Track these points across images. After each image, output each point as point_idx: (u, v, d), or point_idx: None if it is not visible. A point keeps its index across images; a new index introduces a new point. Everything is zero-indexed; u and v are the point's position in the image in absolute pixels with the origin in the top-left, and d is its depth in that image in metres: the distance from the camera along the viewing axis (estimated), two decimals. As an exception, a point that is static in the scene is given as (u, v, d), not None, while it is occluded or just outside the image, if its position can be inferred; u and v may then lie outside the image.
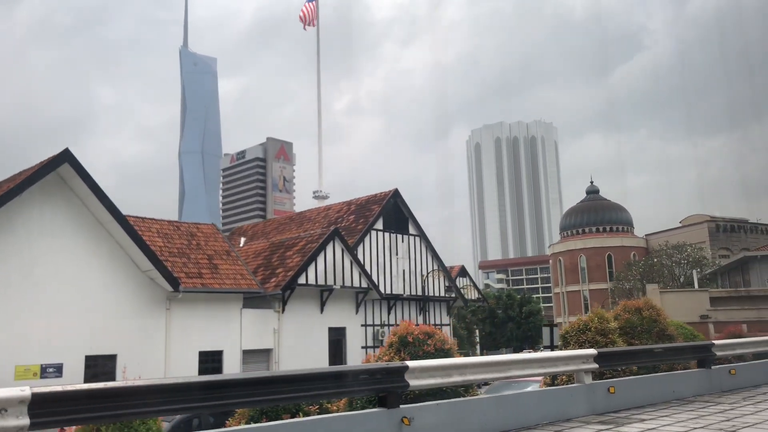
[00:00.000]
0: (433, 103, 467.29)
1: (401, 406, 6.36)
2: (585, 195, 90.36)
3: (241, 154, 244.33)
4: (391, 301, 33.06)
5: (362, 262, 31.89)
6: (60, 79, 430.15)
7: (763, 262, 41.78)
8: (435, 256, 35.81)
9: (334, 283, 25.90)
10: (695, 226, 76.23)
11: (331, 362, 25.39)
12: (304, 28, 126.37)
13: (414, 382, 6.59)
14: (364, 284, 27.47)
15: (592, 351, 8.27)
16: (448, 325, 36.79)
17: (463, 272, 52.36)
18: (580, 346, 9.73)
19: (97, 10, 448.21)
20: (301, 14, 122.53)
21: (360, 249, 31.42)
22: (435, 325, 35.66)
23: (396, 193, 34.38)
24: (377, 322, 32.21)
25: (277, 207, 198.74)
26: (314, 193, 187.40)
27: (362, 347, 30.80)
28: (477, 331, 71.62)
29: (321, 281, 25.55)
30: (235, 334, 22.95)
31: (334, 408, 8.08)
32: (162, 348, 20.85)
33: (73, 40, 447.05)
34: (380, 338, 29.95)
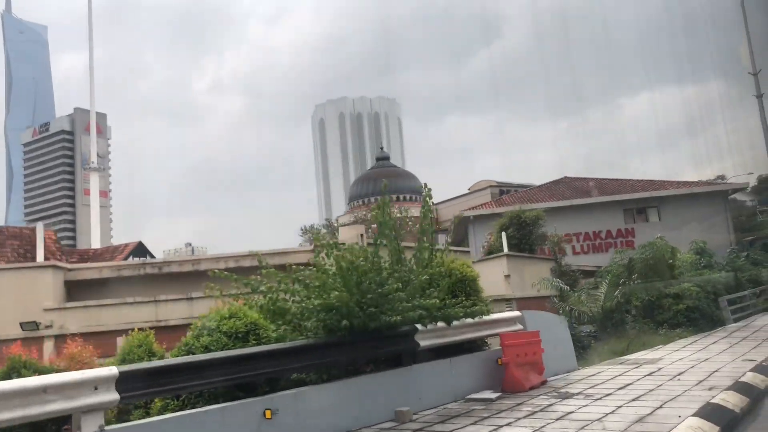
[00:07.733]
0: (297, 83, 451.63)
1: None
2: (375, 161, 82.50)
3: (45, 126, 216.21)
4: None
5: None
6: None
7: (477, 222, 34.31)
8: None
9: None
10: (480, 192, 71.65)
11: None
12: None
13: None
14: None
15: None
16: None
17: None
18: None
19: None
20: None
21: None
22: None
23: None
24: None
25: (87, 186, 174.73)
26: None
27: None
28: None
29: None
30: None
31: None
32: None
33: None
34: None
